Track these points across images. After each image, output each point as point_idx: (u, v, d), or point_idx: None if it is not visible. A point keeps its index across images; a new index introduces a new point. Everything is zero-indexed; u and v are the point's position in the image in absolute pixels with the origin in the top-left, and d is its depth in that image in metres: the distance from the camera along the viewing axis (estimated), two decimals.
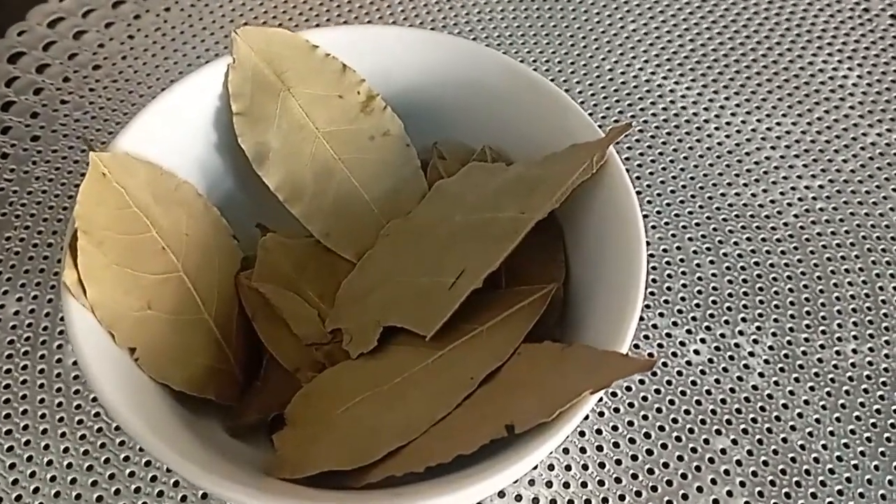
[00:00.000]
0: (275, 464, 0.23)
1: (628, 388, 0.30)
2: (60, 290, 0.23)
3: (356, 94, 0.28)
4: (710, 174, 0.37)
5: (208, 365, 0.25)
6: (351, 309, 0.26)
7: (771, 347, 0.32)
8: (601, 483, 0.28)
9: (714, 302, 0.33)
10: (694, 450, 0.29)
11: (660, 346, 0.32)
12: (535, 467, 0.29)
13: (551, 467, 0.29)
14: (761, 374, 0.31)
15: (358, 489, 0.21)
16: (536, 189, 0.25)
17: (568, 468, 0.29)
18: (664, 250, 0.34)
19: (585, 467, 0.29)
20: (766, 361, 0.31)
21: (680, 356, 0.31)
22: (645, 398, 0.30)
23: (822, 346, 0.32)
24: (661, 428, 0.30)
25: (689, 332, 0.32)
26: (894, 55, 0.41)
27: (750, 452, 0.29)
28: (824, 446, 0.29)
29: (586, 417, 0.29)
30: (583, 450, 0.29)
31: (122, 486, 0.28)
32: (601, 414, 0.30)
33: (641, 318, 0.32)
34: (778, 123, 0.38)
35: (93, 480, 0.28)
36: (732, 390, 0.30)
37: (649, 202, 0.36)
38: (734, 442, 0.29)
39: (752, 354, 0.31)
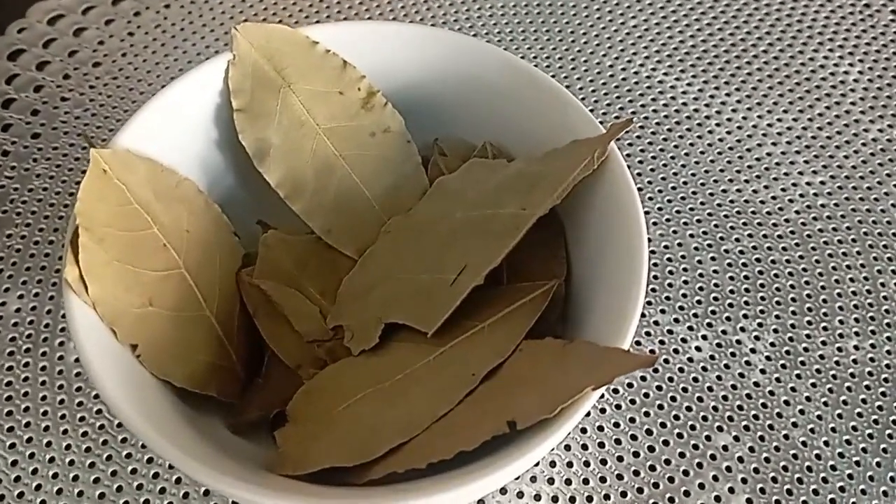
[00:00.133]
0: (277, 460, 0.23)
1: (630, 385, 0.30)
2: (62, 287, 0.23)
3: (357, 91, 0.28)
4: (711, 170, 0.37)
5: (210, 362, 0.25)
6: (352, 306, 0.26)
7: (772, 344, 0.32)
8: (603, 479, 0.28)
9: (715, 298, 0.33)
10: (696, 446, 0.29)
11: (661, 342, 0.32)
12: (537, 464, 0.29)
13: (553, 464, 0.29)
14: (763, 371, 0.31)
15: (360, 486, 0.21)
16: (537, 185, 0.25)
17: (570, 465, 0.29)
18: (665, 247, 0.34)
19: (587, 464, 0.29)
20: (768, 358, 0.31)
21: (681, 353, 0.31)
22: (646, 395, 0.30)
23: (823, 343, 0.32)
24: (663, 424, 0.30)
25: (690, 328, 0.32)
26: (895, 51, 0.41)
27: (752, 449, 0.29)
28: (826, 443, 0.29)
29: (588, 414, 0.29)
30: (584, 446, 0.29)
31: (124, 483, 0.28)
32: (603, 410, 0.30)
33: (643, 315, 0.32)
34: (779, 119, 0.38)
35: (95, 477, 0.28)
36: (734, 387, 0.30)
37: (650, 198, 0.36)
38: (736, 439, 0.29)
39: (753, 351, 0.31)
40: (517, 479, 0.28)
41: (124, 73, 0.39)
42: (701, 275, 0.33)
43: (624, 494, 0.28)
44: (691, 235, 0.34)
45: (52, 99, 0.38)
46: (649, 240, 0.32)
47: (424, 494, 0.20)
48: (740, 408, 0.30)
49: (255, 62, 0.27)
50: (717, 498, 0.28)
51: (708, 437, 0.29)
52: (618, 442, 0.29)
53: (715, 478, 0.29)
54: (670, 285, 0.33)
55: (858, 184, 0.36)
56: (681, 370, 0.31)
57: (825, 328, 0.32)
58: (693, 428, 0.30)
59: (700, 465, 0.29)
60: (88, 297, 0.23)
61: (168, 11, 0.42)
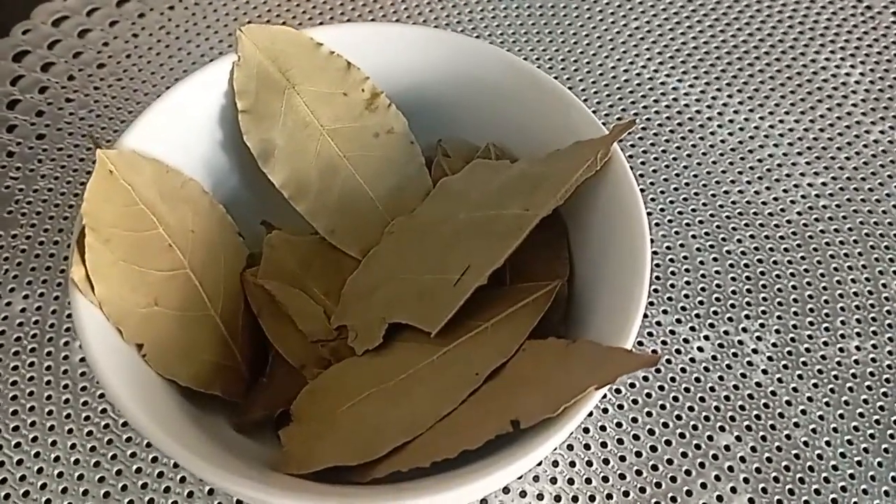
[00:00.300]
0: (281, 459, 0.23)
1: (632, 385, 0.31)
2: (68, 287, 0.23)
3: (360, 92, 0.28)
4: (713, 171, 0.37)
5: (214, 361, 0.25)
6: (356, 306, 0.26)
7: (774, 345, 0.32)
8: (605, 479, 0.29)
9: (717, 299, 0.33)
10: (697, 446, 0.29)
11: (663, 343, 0.32)
12: (540, 463, 0.29)
13: (556, 463, 0.29)
14: (765, 371, 0.31)
15: (363, 484, 0.21)
16: (540, 186, 0.25)
17: (572, 464, 0.29)
18: (668, 247, 0.34)
19: (589, 463, 0.29)
20: (770, 358, 0.31)
21: (683, 353, 0.31)
22: (649, 395, 0.30)
23: (825, 344, 0.32)
24: (665, 424, 0.30)
25: (692, 329, 0.32)
26: None
27: (753, 449, 0.29)
28: (828, 443, 0.29)
29: (590, 414, 0.29)
30: (587, 446, 0.29)
31: (128, 482, 0.28)
32: (605, 410, 0.30)
33: (645, 315, 0.32)
34: (780, 121, 0.38)
35: (100, 476, 0.28)
36: (736, 387, 0.31)
37: (653, 199, 0.36)
38: (738, 439, 0.29)
39: (755, 352, 0.31)
40: (520, 478, 0.28)
41: (129, 75, 0.40)
42: (703, 275, 0.33)
43: (626, 494, 0.28)
44: (693, 236, 0.35)
45: (56, 100, 0.39)
46: (652, 241, 0.32)
47: (428, 493, 0.20)
48: (742, 408, 0.30)
49: (259, 63, 0.27)
50: (720, 498, 0.28)
51: (710, 437, 0.29)
52: (620, 441, 0.29)
53: (717, 477, 0.29)
54: (672, 286, 0.33)
55: (860, 185, 0.36)
56: (683, 370, 0.31)
57: (827, 329, 0.32)
58: (695, 428, 0.30)
59: (702, 465, 0.29)
60: (95, 297, 0.23)
61: (172, 13, 0.42)
